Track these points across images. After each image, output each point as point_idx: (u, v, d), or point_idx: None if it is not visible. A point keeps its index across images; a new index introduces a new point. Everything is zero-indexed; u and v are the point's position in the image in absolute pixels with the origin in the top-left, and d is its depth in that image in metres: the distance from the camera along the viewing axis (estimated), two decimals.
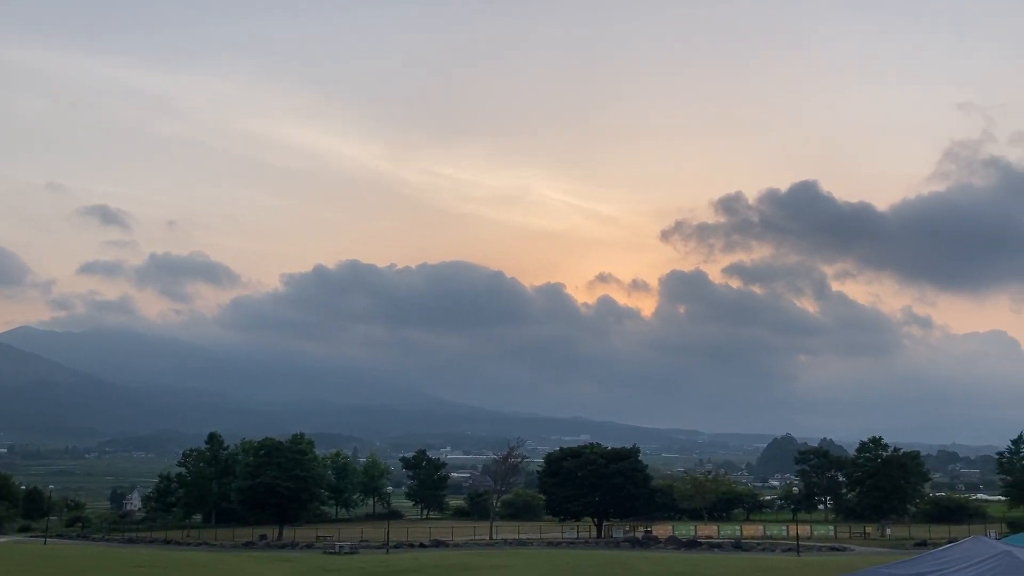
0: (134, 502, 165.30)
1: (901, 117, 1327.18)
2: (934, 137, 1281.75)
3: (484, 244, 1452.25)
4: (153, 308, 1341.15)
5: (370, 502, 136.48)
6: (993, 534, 64.86)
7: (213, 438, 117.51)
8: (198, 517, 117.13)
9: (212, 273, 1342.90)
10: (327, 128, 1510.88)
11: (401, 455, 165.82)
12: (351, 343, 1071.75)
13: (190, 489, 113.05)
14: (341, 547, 71.97)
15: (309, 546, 78.17)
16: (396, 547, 75.27)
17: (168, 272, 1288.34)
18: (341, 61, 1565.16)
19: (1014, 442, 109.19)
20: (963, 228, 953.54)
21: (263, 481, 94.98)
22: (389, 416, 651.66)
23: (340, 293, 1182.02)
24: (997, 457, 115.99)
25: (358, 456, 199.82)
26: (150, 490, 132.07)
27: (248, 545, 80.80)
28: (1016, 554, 12.43)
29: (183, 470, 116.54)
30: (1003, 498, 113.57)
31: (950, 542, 16.75)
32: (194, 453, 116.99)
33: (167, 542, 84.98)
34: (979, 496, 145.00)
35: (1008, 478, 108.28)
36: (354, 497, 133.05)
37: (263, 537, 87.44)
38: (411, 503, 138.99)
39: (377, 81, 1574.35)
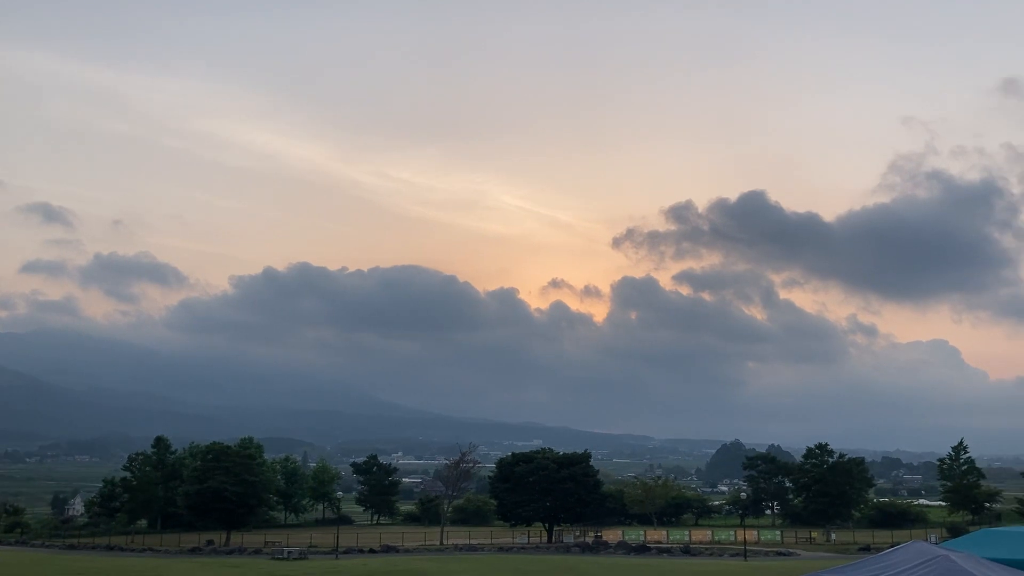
0: (76, 507, 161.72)
1: (848, 130, 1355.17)
2: (879, 150, 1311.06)
3: (438, 248, 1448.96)
4: (98, 309, 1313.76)
5: (320, 507, 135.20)
6: (933, 538, 66.36)
7: (160, 442, 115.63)
8: (143, 523, 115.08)
9: (159, 274, 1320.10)
10: (280, 129, 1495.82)
11: (352, 460, 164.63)
12: (302, 347, 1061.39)
13: (135, 494, 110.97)
14: (289, 553, 71.21)
15: (257, 552, 77.19)
16: (345, 552, 74.69)
17: (114, 272, 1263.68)
18: (296, 62, 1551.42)
19: (954, 449, 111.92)
20: (907, 239, 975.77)
21: (211, 486, 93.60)
22: (340, 421, 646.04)
23: (290, 296, 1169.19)
24: (938, 463, 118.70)
25: (308, 461, 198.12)
26: (94, 495, 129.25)
27: (194, 551, 79.62)
28: (953, 558, 12.74)
29: (128, 474, 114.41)
30: (944, 503, 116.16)
31: (892, 547, 17.13)
32: (140, 457, 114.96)
33: (110, 548, 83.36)
34: (921, 502, 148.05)
35: (948, 484, 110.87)
36: (303, 502, 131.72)
37: (210, 543, 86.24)
38: (361, 508, 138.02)
39: (332, 83, 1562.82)
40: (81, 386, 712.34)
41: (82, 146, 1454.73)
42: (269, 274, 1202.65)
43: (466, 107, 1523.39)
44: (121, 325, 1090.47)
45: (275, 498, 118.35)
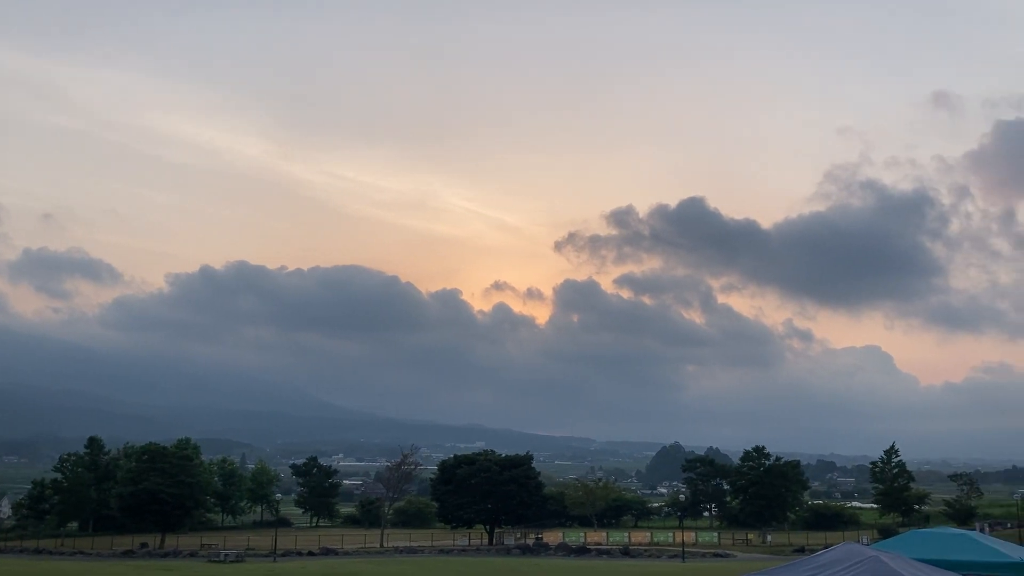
0: (3, 509, 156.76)
1: (785, 139, 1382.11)
2: (816, 159, 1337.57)
3: (382, 249, 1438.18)
4: (28, 305, 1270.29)
5: (258, 509, 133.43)
6: (865, 540, 67.96)
7: (93, 443, 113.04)
8: (74, 525, 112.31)
9: (93, 270, 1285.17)
10: (225, 126, 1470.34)
11: (291, 462, 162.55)
12: (240, 346, 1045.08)
13: (66, 495, 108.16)
14: (226, 555, 70.16)
15: (193, 554, 75.88)
16: (284, 555, 73.85)
17: (44, 268, 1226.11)
18: (242, 58, 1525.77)
19: (886, 452, 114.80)
20: (841, 247, 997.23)
21: (145, 487, 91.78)
22: (279, 422, 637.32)
23: (228, 294, 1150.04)
24: (871, 467, 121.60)
25: (247, 462, 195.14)
26: (22, 497, 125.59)
27: (127, 554, 77.91)
28: (883, 559, 13.09)
29: (59, 476, 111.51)
30: (875, 506, 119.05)
31: (825, 548, 17.54)
32: (72, 458, 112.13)
33: (39, 551, 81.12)
34: (854, 504, 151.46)
35: (880, 487, 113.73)
36: (241, 504, 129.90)
37: (144, 545, 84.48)
38: (301, 511, 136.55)
39: (281, 81, 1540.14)
40: (9, 384, 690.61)
41: (12, 137, 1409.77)
42: (206, 272, 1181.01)
43: (416, 108, 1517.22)
44: (53, 322, 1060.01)
45: (212, 500, 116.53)
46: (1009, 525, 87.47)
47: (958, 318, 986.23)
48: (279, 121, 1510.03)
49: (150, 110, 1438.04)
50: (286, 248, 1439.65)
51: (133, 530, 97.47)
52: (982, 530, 65.40)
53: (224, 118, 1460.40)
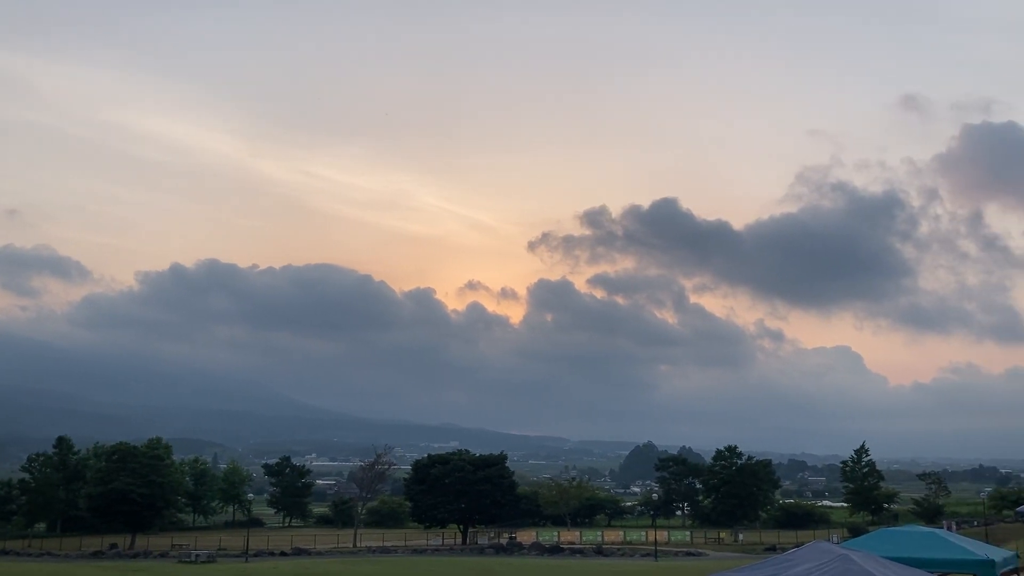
0: None
1: (757, 141, 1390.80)
2: (787, 161, 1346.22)
3: (355, 248, 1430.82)
4: None
5: (230, 509, 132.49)
6: (835, 538, 68.67)
7: (62, 442, 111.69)
8: (42, 526, 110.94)
9: (61, 268, 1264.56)
10: (195, 122, 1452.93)
11: (264, 461, 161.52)
12: (211, 345, 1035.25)
13: (34, 496, 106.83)
14: (197, 556, 69.60)
15: (163, 555, 75.25)
16: (256, 555, 73.40)
17: (11, 265, 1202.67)
18: (216, 56, 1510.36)
19: (856, 452, 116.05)
20: (812, 248, 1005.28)
21: (115, 487, 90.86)
22: (252, 421, 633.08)
23: (199, 293, 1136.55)
24: (841, 466, 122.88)
25: (219, 462, 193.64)
26: None
27: (96, 555, 77.12)
28: (852, 557, 13.26)
29: (27, 476, 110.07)
30: (846, 504, 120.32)
31: (796, 547, 17.73)
32: (40, 458, 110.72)
33: (5, 552, 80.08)
34: (824, 503, 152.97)
35: (850, 486, 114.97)
36: (213, 504, 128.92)
37: (113, 546, 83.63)
38: (273, 511, 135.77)
39: (252, 77, 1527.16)
40: None
41: None
42: (177, 270, 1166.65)
43: (391, 107, 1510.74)
44: (20, 320, 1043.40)
45: (183, 500, 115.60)
46: (976, 523, 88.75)
47: (927, 319, 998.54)
48: (252, 119, 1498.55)
49: (120, 106, 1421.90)
50: (258, 246, 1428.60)
51: (102, 531, 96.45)
52: (949, 528, 66.39)
53: (195, 115, 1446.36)
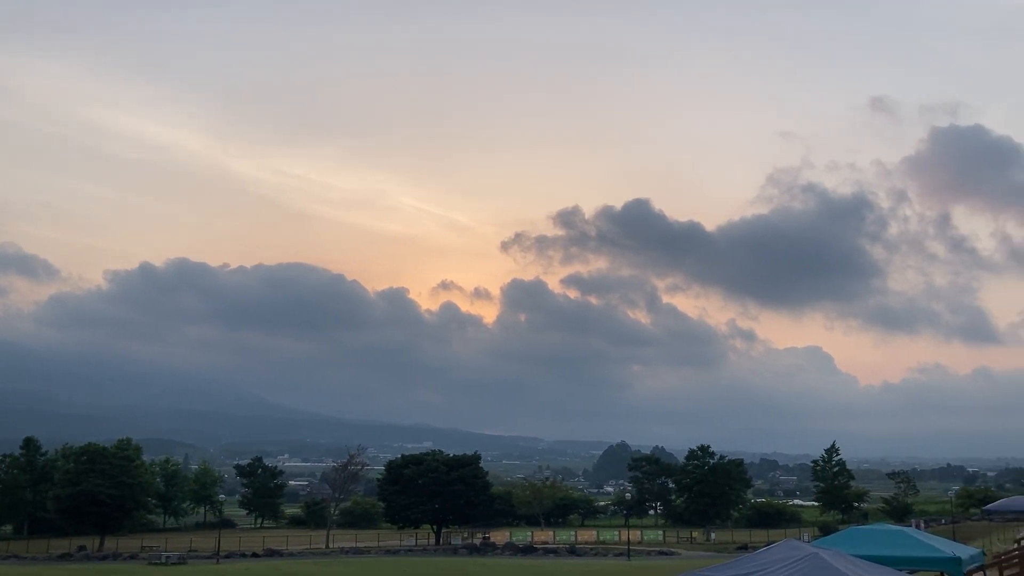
0: None
1: (728, 143, 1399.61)
2: (758, 163, 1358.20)
3: (328, 247, 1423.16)
4: None
5: (201, 511, 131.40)
6: (806, 537, 69.31)
7: (29, 443, 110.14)
8: (8, 528, 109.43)
9: (28, 266, 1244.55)
10: (167, 119, 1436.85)
11: (236, 462, 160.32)
12: (182, 345, 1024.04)
13: (0, 498, 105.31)
14: (168, 557, 68.96)
15: (133, 557, 74.51)
16: (227, 556, 72.87)
17: None
18: (190, 54, 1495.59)
19: (827, 451, 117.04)
20: (783, 249, 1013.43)
21: (84, 489, 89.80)
22: (223, 422, 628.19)
23: (169, 292, 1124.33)
24: (812, 465, 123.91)
25: (190, 463, 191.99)
26: None
27: (64, 557, 76.19)
28: (822, 555, 13.40)
29: None
30: (817, 503, 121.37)
31: (767, 546, 17.87)
32: (7, 459, 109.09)
33: None
34: (796, 502, 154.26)
35: (821, 485, 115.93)
36: (184, 505, 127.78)
37: (82, 548, 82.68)
38: (245, 512, 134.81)
39: (228, 76, 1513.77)
40: None
41: None
42: (146, 269, 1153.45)
43: (367, 105, 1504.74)
44: None
45: (154, 501, 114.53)
46: (943, 521, 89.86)
47: (896, 319, 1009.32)
48: (226, 117, 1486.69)
49: (89, 102, 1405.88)
50: (229, 245, 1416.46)
51: (71, 533, 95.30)
52: (918, 527, 67.15)
53: (167, 112, 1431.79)
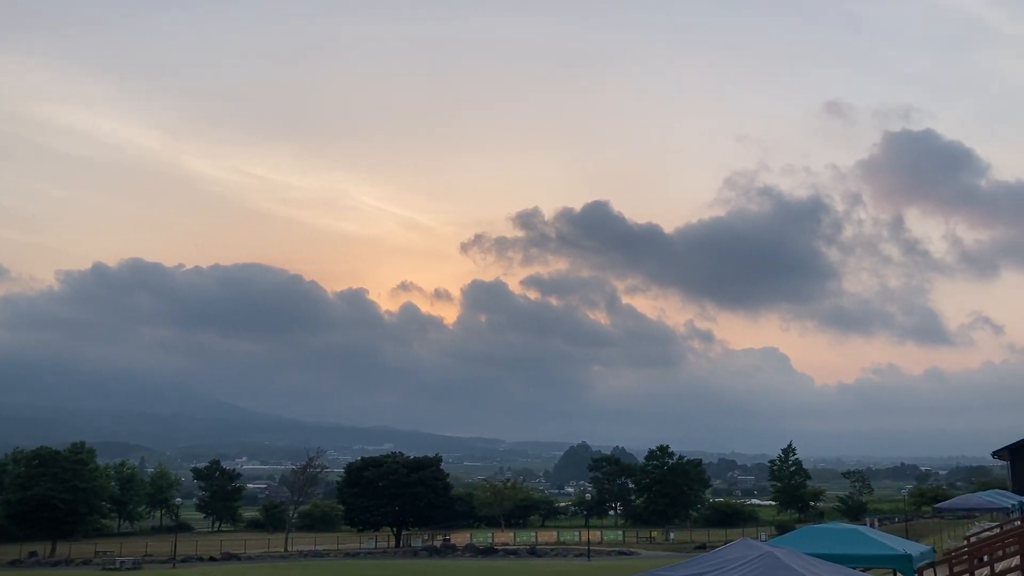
0: None
1: (687, 146, 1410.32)
2: (716, 166, 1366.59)
3: (286, 247, 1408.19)
4: None
5: (157, 515, 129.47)
6: (763, 536, 70.13)
7: None
8: None
9: None
10: (121, 117, 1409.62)
11: (193, 465, 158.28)
12: (137, 346, 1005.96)
13: None
14: (122, 563, 67.94)
15: (86, 562, 73.31)
16: (184, 561, 71.99)
17: None
18: (144, 47, 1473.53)
19: (784, 451, 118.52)
20: (740, 251, 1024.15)
21: (36, 493, 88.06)
22: (180, 424, 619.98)
23: (123, 293, 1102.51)
24: (769, 465, 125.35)
25: (146, 466, 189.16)
26: None
27: (14, 563, 74.63)
28: (777, 554, 13.56)
29: None
30: (774, 503, 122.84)
31: (725, 545, 18.07)
32: None
33: None
34: (753, 501, 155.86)
35: (778, 484, 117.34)
36: (139, 510, 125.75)
37: (33, 554, 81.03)
38: (202, 515, 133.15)
39: (184, 72, 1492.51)
40: None
41: None
42: (99, 269, 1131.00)
43: (329, 106, 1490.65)
44: None
45: (108, 506, 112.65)
46: (897, 519, 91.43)
47: (850, 320, 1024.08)
48: (181, 114, 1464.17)
49: (41, 98, 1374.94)
50: (184, 245, 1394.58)
51: (21, 538, 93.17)
52: (872, 525, 68.25)
53: (122, 109, 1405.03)
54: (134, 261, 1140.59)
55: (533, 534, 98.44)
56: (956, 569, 24.17)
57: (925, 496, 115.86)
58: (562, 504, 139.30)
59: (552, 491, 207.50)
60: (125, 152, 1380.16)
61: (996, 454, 68.26)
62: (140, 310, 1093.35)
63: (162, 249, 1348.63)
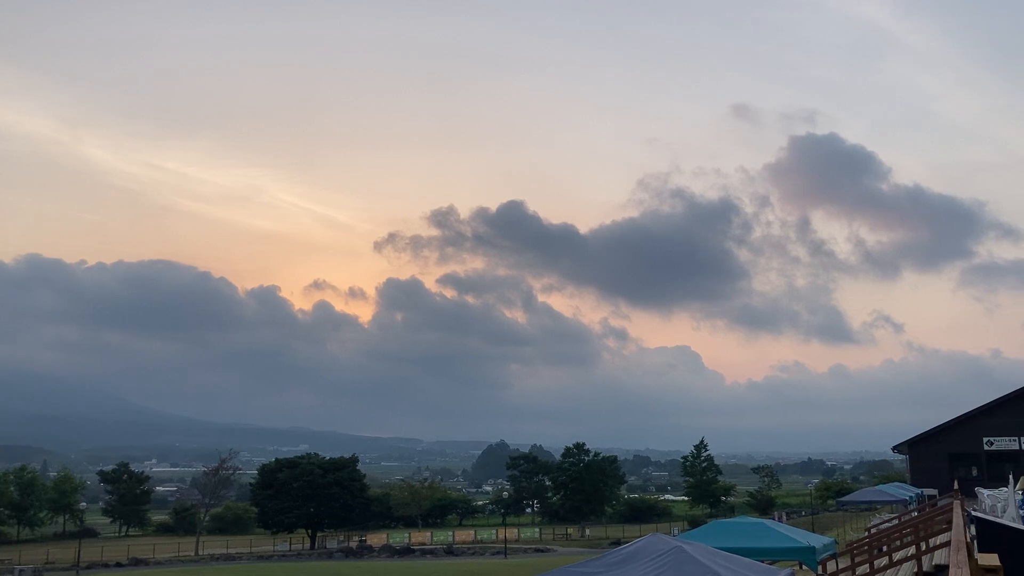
0: None
1: (601, 148, 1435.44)
2: (629, 168, 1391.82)
3: (195, 244, 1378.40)
4: None
5: (60, 520, 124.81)
6: (675, 531, 71.56)
7: None
8: None
9: None
10: (20, 107, 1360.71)
11: (99, 468, 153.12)
12: (37, 346, 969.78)
13: None
14: (21, 571, 65.33)
15: None
16: (88, 567, 69.68)
17: None
18: (49, 37, 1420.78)
19: (696, 447, 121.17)
20: (652, 251, 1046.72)
21: None
22: (86, 426, 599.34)
23: (20, 290, 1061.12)
24: (682, 461, 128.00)
25: (48, 470, 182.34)
26: None
27: None
28: (686, 548, 13.87)
29: None
30: (687, 498, 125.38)
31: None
32: None
33: None
34: (667, 497, 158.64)
35: (690, 480, 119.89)
36: (41, 515, 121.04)
37: None
38: (109, 520, 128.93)
39: (90, 63, 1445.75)
40: None
41: None
42: None
43: (248, 100, 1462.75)
44: None
45: (7, 511, 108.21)
46: (803, 513, 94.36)
47: (759, 319, 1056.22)
48: (87, 107, 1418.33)
49: None
50: (86, 240, 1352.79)
51: None
52: (779, 519, 70.32)
53: (21, 99, 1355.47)
54: (31, 257, 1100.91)
55: (450, 533, 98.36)
56: (857, 559, 25.12)
57: (830, 490, 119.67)
58: (480, 503, 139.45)
59: (470, 490, 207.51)
60: (19, 143, 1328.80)
61: (896, 448, 71.21)
62: (39, 308, 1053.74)
63: (62, 244, 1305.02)
